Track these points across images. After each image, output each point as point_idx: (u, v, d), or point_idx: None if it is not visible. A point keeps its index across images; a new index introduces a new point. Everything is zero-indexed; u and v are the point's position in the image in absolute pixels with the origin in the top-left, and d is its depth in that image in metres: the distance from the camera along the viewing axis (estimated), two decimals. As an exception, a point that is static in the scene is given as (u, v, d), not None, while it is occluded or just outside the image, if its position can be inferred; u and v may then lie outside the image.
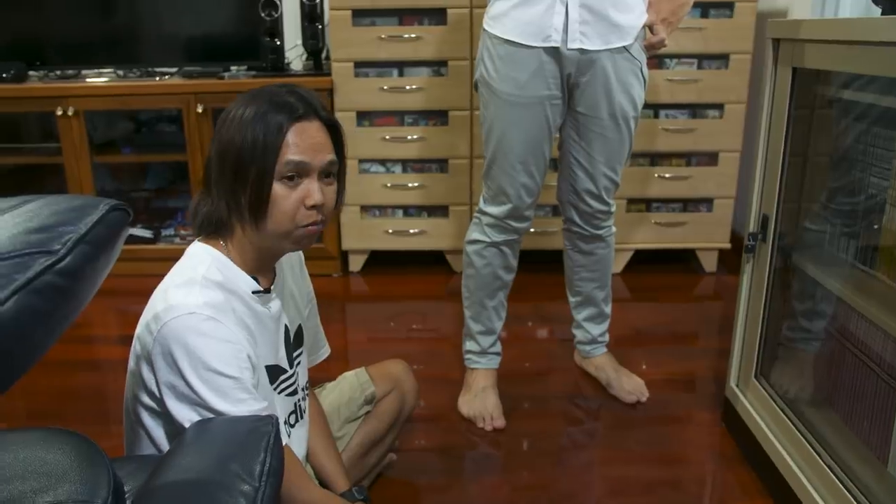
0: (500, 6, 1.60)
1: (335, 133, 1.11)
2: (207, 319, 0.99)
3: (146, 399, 1.06)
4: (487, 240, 1.75)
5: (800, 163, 1.55)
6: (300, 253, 1.29)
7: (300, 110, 1.05)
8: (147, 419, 1.07)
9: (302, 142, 1.05)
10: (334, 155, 1.09)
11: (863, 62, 1.21)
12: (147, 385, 1.04)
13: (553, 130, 1.67)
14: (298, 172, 1.05)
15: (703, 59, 2.52)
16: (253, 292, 1.09)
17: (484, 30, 1.65)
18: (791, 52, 1.44)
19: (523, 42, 1.57)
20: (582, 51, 1.56)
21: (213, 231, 1.10)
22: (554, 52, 1.56)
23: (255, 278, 1.11)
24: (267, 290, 1.12)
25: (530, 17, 1.55)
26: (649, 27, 1.65)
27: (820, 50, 1.34)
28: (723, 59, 2.51)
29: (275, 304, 1.14)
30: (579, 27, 1.54)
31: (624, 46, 1.59)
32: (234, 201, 1.05)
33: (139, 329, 1.06)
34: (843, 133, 1.48)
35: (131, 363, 1.08)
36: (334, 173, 1.10)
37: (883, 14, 1.34)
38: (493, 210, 1.72)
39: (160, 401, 1.02)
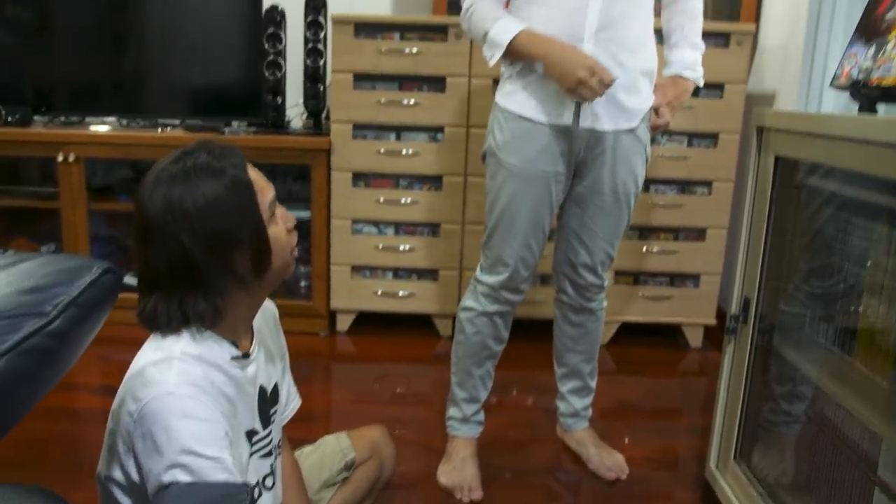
0: (514, 84, 1.65)
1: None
2: (187, 398, 0.97)
3: (119, 475, 1.04)
4: (480, 308, 1.77)
5: (782, 247, 1.59)
6: (275, 309, 1.30)
7: (235, 158, 1.06)
8: (120, 496, 1.05)
9: (258, 181, 1.07)
10: None
11: (840, 157, 1.26)
12: (123, 464, 1.01)
13: (555, 205, 1.71)
14: (274, 207, 1.08)
15: (693, 137, 2.59)
16: (232, 358, 1.09)
17: (496, 103, 1.70)
18: (774, 141, 1.49)
19: (536, 119, 1.62)
20: (592, 130, 1.61)
21: (204, 325, 1.06)
22: (565, 130, 1.62)
23: (234, 343, 1.10)
24: (246, 355, 1.12)
25: (545, 95, 1.60)
26: (655, 109, 1.71)
27: (800, 141, 1.39)
28: (712, 137, 2.58)
29: (252, 368, 1.15)
30: (590, 107, 1.59)
31: (631, 128, 1.65)
32: (233, 275, 1.04)
33: (115, 406, 1.02)
34: (820, 220, 1.52)
35: (107, 437, 1.05)
36: None
37: (860, 110, 1.39)
38: (490, 279, 1.75)
39: (136, 481, 1.00)
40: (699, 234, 2.66)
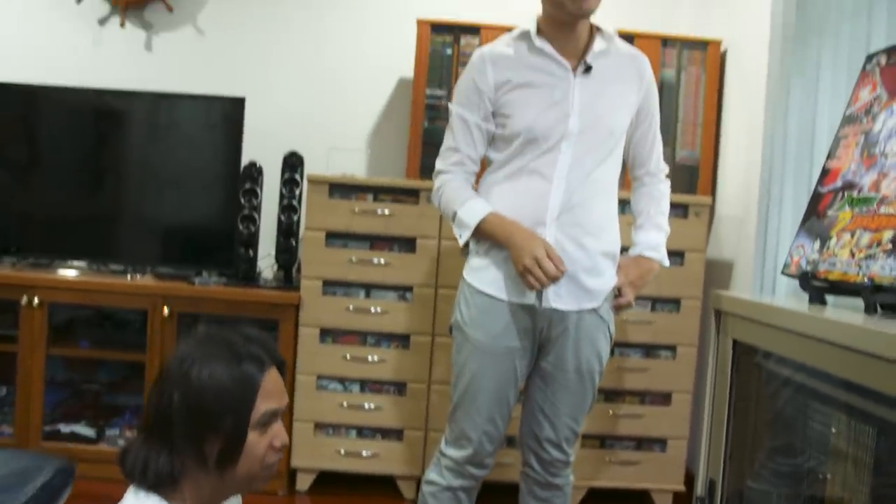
0: (480, 260, 1.71)
1: (283, 372, 1.14)
2: None
3: None
4: (444, 483, 1.73)
5: (746, 424, 1.60)
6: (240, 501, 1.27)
7: (266, 360, 1.09)
8: None
9: (273, 390, 1.08)
10: None
11: (790, 349, 1.30)
12: None
13: (520, 380, 1.72)
14: (271, 419, 1.07)
15: (656, 301, 2.65)
16: None
17: (463, 278, 1.75)
18: (731, 324, 1.54)
19: (499, 296, 1.66)
20: (555, 309, 1.65)
21: (158, 483, 1.07)
22: (529, 309, 1.66)
23: None
24: None
25: (509, 273, 1.65)
26: (617, 289, 1.75)
27: (755, 328, 1.44)
28: (675, 303, 2.65)
29: None
30: (553, 288, 1.64)
31: (594, 308, 1.69)
32: (199, 453, 1.04)
33: None
34: (781, 400, 1.55)
35: None
36: None
37: (810, 301, 1.45)
38: (454, 453, 1.72)
39: None
40: (665, 398, 2.67)
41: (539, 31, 1.67)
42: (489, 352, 1.66)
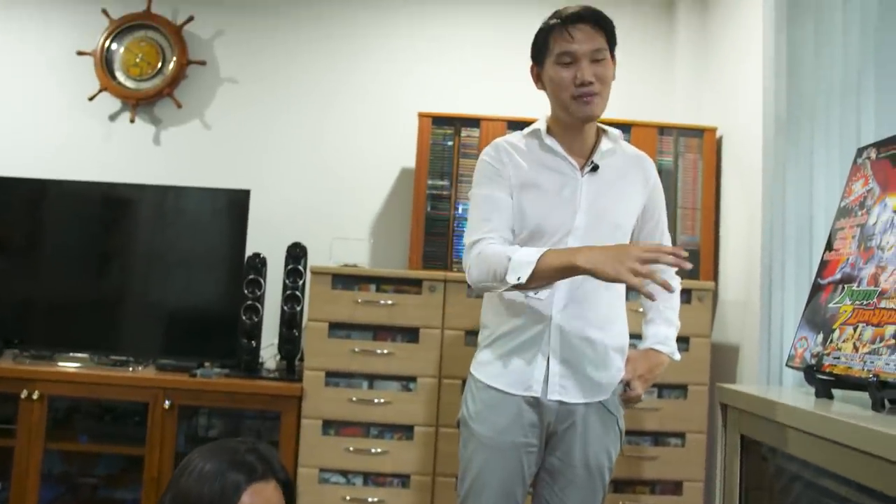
0: (486, 354, 1.71)
1: (289, 493, 1.12)
2: None
3: None
4: None
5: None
6: None
7: (258, 471, 1.08)
8: None
9: (255, 502, 1.06)
10: None
11: (796, 445, 1.28)
12: None
13: (528, 478, 1.69)
14: None
15: (663, 388, 2.62)
16: None
17: (470, 373, 1.75)
18: (738, 419, 1.51)
19: (505, 389, 1.66)
20: (561, 402, 1.64)
21: None
22: (534, 402, 1.65)
23: None
24: None
25: (513, 367, 1.65)
26: (626, 382, 1.73)
27: (761, 424, 1.42)
28: (682, 388, 2.61)
29: None
30: (559, 380, 1.64)
31: (601, 401, 1.67)
32: None
33: None
34: (792, 496, 1.50)
35: None
36: None
37: (816, 394, 1.43)
38: None
39: None
40: (676, 486, 2.59)
41: (549, 131, 1.74)
42: (495, 447, 1.64)
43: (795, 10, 2.29)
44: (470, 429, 1.69)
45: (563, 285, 1.63)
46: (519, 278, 1.52)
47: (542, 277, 1.54)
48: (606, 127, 1.78)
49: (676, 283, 1.84)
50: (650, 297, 1.45)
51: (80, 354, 2.89)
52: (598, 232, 1.68)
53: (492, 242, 1.64)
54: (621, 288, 1.74)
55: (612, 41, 1.69)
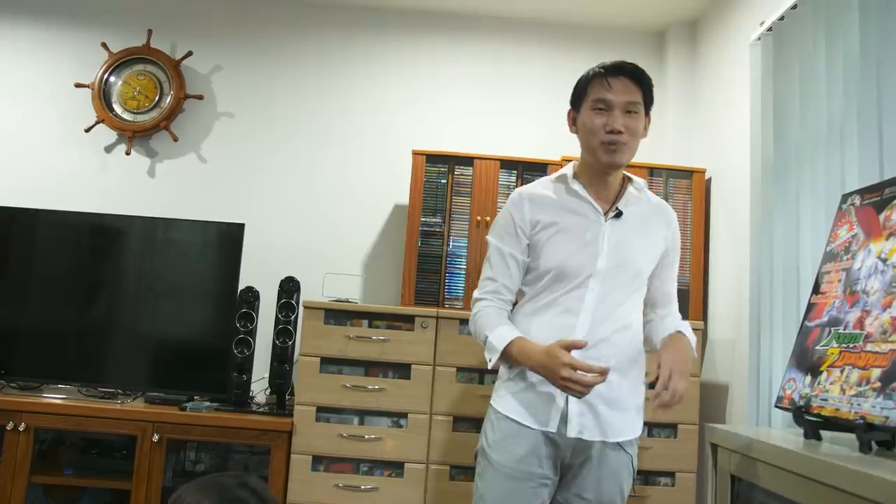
0: (507, 387, 1.75)
1: None
2: None
3: None
4: None
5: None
6: None
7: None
8: None
9: None
10: None
11: (785, 486, 1.29)
12: None
13: None
14: None
15: (653, 427, 2.63)
16: None
17: (490, 405, 1.79)
18: (728, 459, 1.53)
19: (524, 422, 1.69)
20: (579, 439, 1.66)
21: None
22: (552, 438, 1.67)
23: None
24: None
25: (533, 402, 1.69)
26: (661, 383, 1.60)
27: (750, 464, 1.43)
28: (671, 428, 2.62)
29: None
30: (578, 419, 1.67)
31: (618, 441, 1.69)
32: None
33: None
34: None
35: None
36: None
37: (805, 436, 1.45)
38: None
39: None
40: (666, 527, 2.59)
41: (575, 176, 1.80)
42: (511, 475, 1.66)
43: (781, 60, 2.36)
44: (488, 458, 1.71)
45: (583, 327, 1.68)
46: (490, 360, 1.72)
47: (510, 362, 1.73)
48: (633, 176, 1.85)
49: (683, 326, 1.82)
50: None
51: (67, 386, 2.87)
52: (620, 276, 1.73)
53: (489, 306, 1.78)
54: (640, 332, 1.79)
55: (648, 98, 1.75)
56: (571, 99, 1.82)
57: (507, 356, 1.69)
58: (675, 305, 1.92)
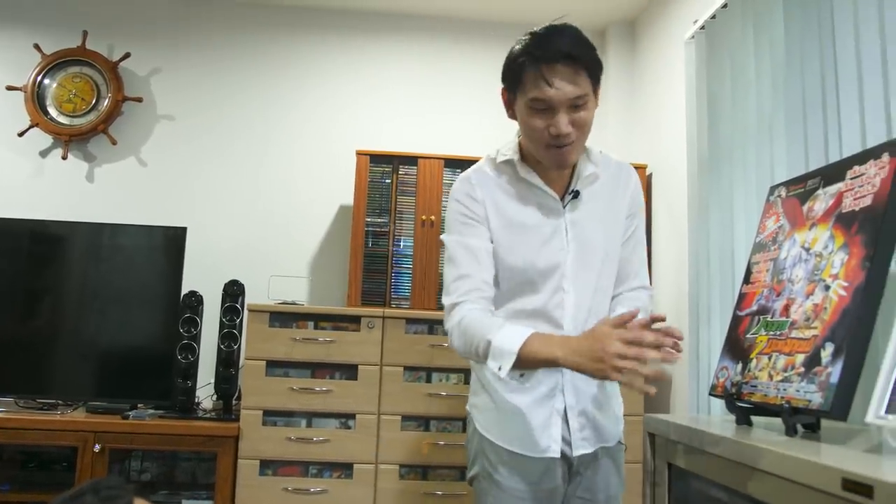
0: (487, 414, 1.60)
1: None
2: None
3: None
4: None
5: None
6: None
7: None
8: None
9: None
10: None
11: (716, 471, 1.33)
12: None
13: None
14: None
15: (599, 419, 2.66)
16: None
17: (476, 430, 1.63)
18: (664, 447, 1.56)
19: (527, 454, 1.57)
20: (582, 456, 1.59)
21: None
22: (558, 457, 1.58)
23: None
24: None
25: (525, 431, 1.56)
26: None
27: (684, 451, 1.47)
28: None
29: None
30: (580, 434, 1.58)
31: (608, 447, 1.66)
32: None
33: None
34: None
35: None
36: None
37: (737, 422, 1.49)
38: None
39: None
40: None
41: (523, 160, 1.57)
42: (528, 498, 1.56)
43: (713, 57, 2.43)
44: (496, 483, 1.56)
45: (567, 332, 1.52)
46: (500, 367, 1.38)
47: (526, 366, 1.41)
48: (587, 146, 1.59)
49: (647, 295, 1.69)
50: (648, 392, 1.34)
51: (4, 398, 2.78)
52: (587, 265, 1.56)
53: (472, 308, 1.48)
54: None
55: (594, 75, 1.49)
56: (503, 76, 1.52)
57: (524, 359, 1.38)
58: (640, 280, 1.68)
